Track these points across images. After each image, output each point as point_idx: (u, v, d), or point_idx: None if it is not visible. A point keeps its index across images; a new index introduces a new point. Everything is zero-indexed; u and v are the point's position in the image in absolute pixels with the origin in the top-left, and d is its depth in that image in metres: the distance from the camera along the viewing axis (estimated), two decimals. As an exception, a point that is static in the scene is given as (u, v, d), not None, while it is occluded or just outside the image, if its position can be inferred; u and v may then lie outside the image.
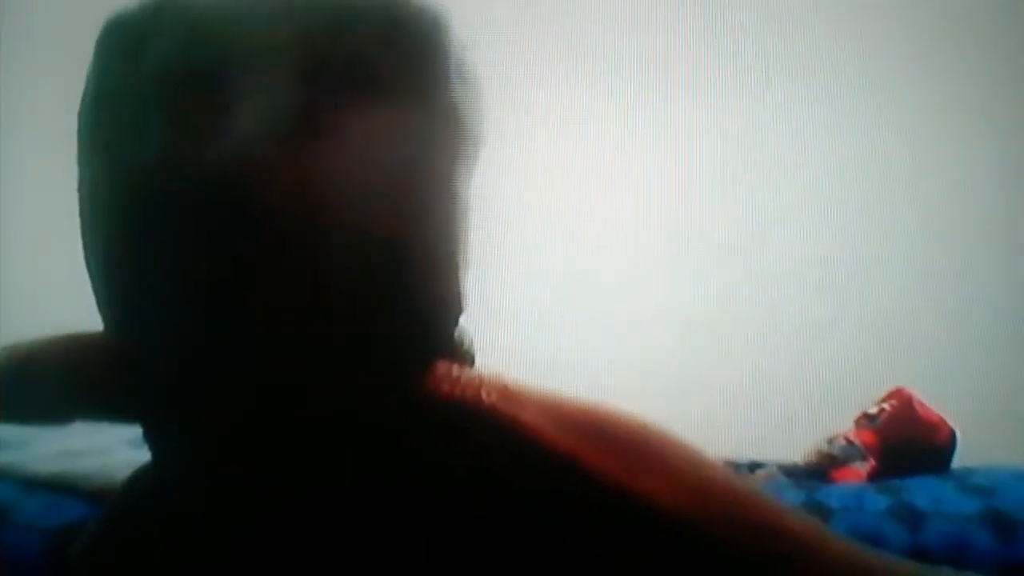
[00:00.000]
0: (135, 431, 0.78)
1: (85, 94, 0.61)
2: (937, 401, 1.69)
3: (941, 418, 1.65)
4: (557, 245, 2.13)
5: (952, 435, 1.64)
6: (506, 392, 0.62)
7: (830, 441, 1.66)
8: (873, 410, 1.68)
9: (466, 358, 0.65)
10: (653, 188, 2.19)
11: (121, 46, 0.60)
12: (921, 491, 1.46)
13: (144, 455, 0.85)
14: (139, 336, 0.60)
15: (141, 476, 0.71)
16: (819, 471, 1.62)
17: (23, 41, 2.21)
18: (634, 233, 2.19)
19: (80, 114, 0.61)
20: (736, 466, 1.59)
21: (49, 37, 2.24)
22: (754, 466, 1.65)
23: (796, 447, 1.69)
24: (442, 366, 0.62)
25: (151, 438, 0.65)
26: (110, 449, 1.31)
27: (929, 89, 2.13)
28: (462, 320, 0.64)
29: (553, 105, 2.12)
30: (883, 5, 2.15)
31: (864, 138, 2.16)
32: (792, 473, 1.61)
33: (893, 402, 1.68)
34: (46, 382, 0.77)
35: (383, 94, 0.57)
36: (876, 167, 2.16)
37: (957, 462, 1.63)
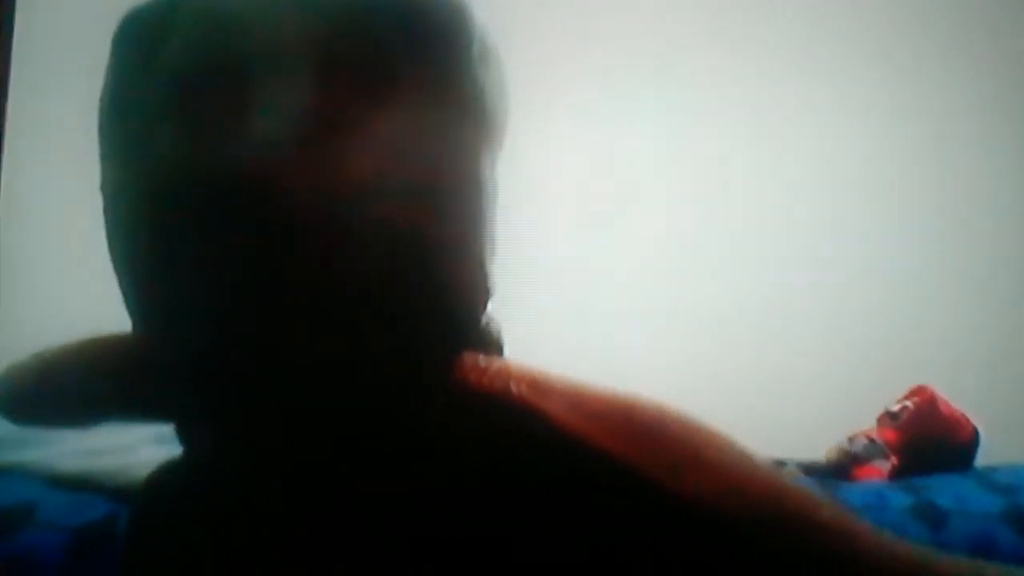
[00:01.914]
0: (158, 429, 0.78)
1: (103, 92, 0.61)
2: (960, 399, 1.68)
3: (964, 416, 1.64)
4: (580, 240, 2.13)
5: (975, 433, 1.63)
6: (534, 383, 0.61)
7: (852, 439, 1.65)
8: (895, 408, 1.67)
9: (494, 346, 0.65)
10: (674, 185, 2.19)
11: (137, 43, 0.59)
12: (944, 489, 1.45)
13: (167, 453, 0.85)
14: (168, 334, 0.60)
15: (168, 473, 0.71)
16: (841, 469, 1.61)
17: (40, 42, 2.22)
18: (656, 229, 2.18)
19: (99, 112, 0.61)
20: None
21: (66, 38, 2.25)
22: (776, 465, 1.64)
23: (818, 445, 1.68)
24: (470, 355, 0.61)
25: (182, 436, 0.65)
26: (133, 447, 1.31)
27: (947, 83, 2.12)
28: (490, 308, 0.64)
29: (577, 101, 2.12)
30: (893, 3, 2.14)
31: (881, 133, 2.15)
32: (814, 471, 1.61)
33: (915, 400, 1.66)
34: (72, 386, 0.77)
35: (404, 84, 0.57)
36: (894, 161, 2.15)
37: (980, 460, 1.62)
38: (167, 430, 0.78)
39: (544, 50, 2.00)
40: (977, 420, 1.65)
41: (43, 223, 2.24)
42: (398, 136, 0.56)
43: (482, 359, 0.62)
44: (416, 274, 0.57)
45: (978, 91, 2.10)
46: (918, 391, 1.68)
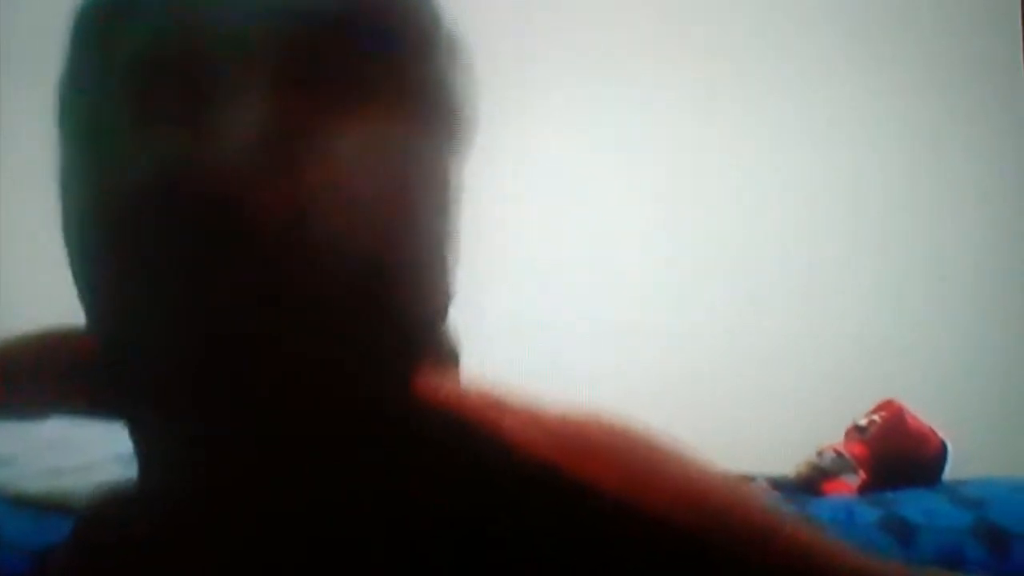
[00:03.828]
0: (124, 448, 0.77)
1: (59, 80, 0.60)
2: (928, 413, 1.69)
3: (932, 429, 1.65)
4: (547, 251, 2.13)
5: (943, 447, 1.64)
6: (488, 399, 0.61)
7: (820, 454, 1.66)
8: (863, 422, 1.68)
9: (450, 358, 0.64)
10: (643, 197, 2.19)
11: (95, 29, 0.58)
12: (912, 504, 1.46)
13: (133, 470, 0.84)
14: (117, 330, 0.59)
15: (117, 490, 0.69)
16: (809, 484, 1.62)
17: (15, 45, 2.20)
18: (623, 242, 2.19)
19: (56, 100, 0.60)
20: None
21: (41, 41, 2.23)
22: (744, 480, 1.64)
23: (786, 460, 1.68)
24: (424, 370, 0.61)
25: (134, 438, 0.64)
26: (98, 466, 1.30)
27: (927, 95, 2.13)
28: (450, 321, 0.63)
29: (548, 108, 2.12)
30: (882, 10, 2.16)
31: (858, 151, 2.16)
32: (782, 487, 1.61)
33: (883, 414, 1.67)
34: (23, 374, 0.76)
35: (366, 86, 0.56)
36: (869, 179, 2.16)
37: (949, 474, 1.63)
38: (131, 450, 0.77)
39: (519, 48, 2.00)
40: (945, 434, 1.66)
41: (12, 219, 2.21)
42: (358, 138, 0.55)
43: (436, 373, 0.61)
44: (373, 279, 0.57)
45: (964, 101, 2.12)
46: (886, 405, 1.69)
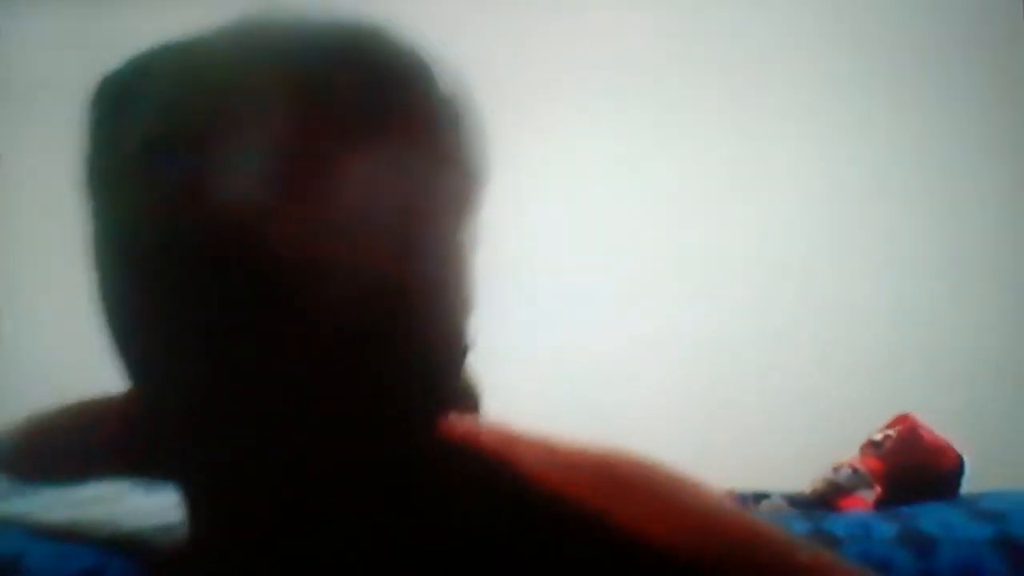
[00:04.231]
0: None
1: (81, 154, 0.62)
2: (944, 426, 1.68)
3: (948, 443, 1.65)
4: (554, 269, 2.14)
5: (959, 460, 1.63)
6: (504, 437, 0.62)
7: (836, 469, 1.66)
8: (878, 437, 1.67)
9: (472, 399, 0.66)
10: (654, 214, 2.20)
11: (111, 105, 0.61)
12: (930, 517, 1.46)
13: (153, 500, 0.85)
14: (152, 391, 0.61)
15: (174, 540, 0.72)
16: (826, 500, 1.62)
17: (17, 98, 2.23)
18: (632, 259, 2.19)
19: (80, 174, 0.62)
20: (741, 497, 1.59)
21: (44, 93, 2.26)
22: (759, 497, 1.64)
23: (802, 477, 1.68)
24: (447, 409, 0.62)
25: (179, 495, 0.66)
26: (118, 496, 1.31)
27: (947, 106, 2.13)
28: (469, 362, 0.65)
29: (550, 130, 2.13)
30: (895, 22, 2.16)
31: (872, 165, 2.16)
32: (798, 503, 1.61)
33: (898, 428, 1.67)
34: (67, 445, 0.78)
35: (377, 142, 0.58)
36: (885, 193, 2.16)
37: (966, 487, 1.63)
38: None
39: (523, 87, 2.02)
40: (961, 448, 1.66)
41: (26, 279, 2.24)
42: (372, 192, 0.57)
43: (455, 413, 0.63)
44: (396, 327, 0.58)
45: (984, 111, 2.11)
46: (900, 419, 1.69)
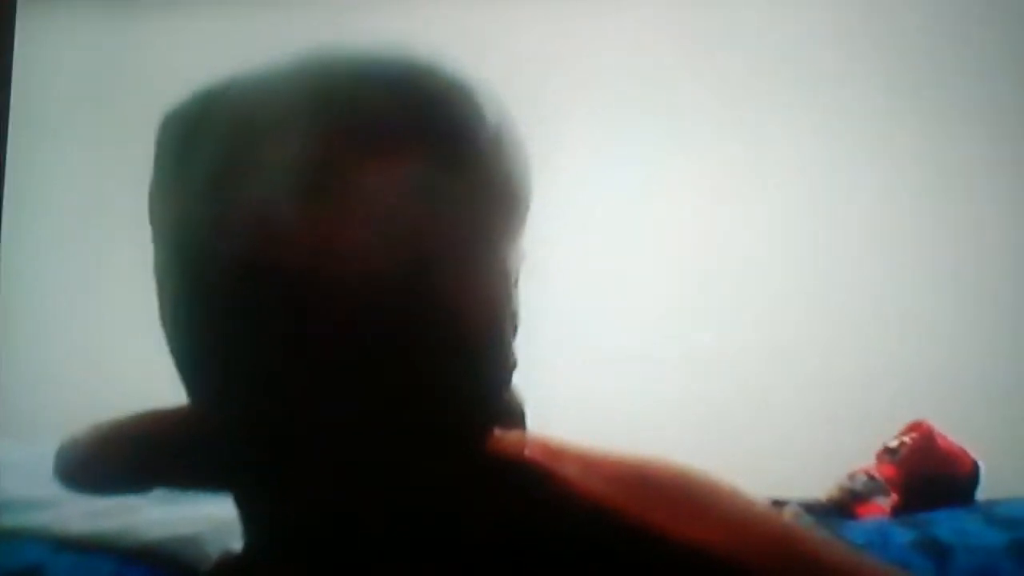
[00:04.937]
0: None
1: (150, 184, 0.66)
2: (959, 433, 1.68)
3: (963, 450, 1.65)
4: (577, 282, 2.15)
5: (975, 466, 1.63)
6: (548, 449, 0.65)
7: (852, 477, 1.66)
8: (894, 444, 1.68)
9: (517, 417, 0.68)
10: (671, 227, 2.21)
11: (174, 139, 0.64)
12: (946, 524, 1.46)
13: (173, 511, 0.86)
14: (214, 406, 0.63)
15: (231, 556, 0.74)
16: (842, 507, 1.62)
17: (41, 113, 2.25)
18: (652, 272, 2.20)
19: (148, 203, 0.66)
20: (758, 504, 1.59)
21: (66, 109, 2.29)
22: (776, 504, 1.65)
23: (818, 484, 1.68)
24: (492, 427, 0.65)
25: (239, 506, 0.69)
26: (139, 507, 1.32)
27: (960, 115, 2.13)
28: (513, 381, 0.67)
29: (571, 144, 2.14)
30: (913, 30, 2.16)
31: (886, 165, 2.17)
32: (815, 510, 1.61)
33: (914, 435, 1.67)
34: (130, 454, 0.81)
35: (424, 171, 0.60)
36: (898, 199, 2.16)
37: (981, 494, 1.62)
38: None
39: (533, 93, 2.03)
40: (977, 454, 1.66)
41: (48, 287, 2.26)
42: (427, 219, 0.59)
43: (500, 428, 0.65)
44: (445, 346, 0.61)
45: (996, 118, 2.11)
46: (916, 426, 1.69)
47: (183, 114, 0.65)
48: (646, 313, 2.17)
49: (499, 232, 0.63)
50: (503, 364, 0.65)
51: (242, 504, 0.68)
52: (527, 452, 0.64)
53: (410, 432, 0.61)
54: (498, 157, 0.63)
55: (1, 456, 1.56)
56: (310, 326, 0.59)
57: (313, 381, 0.60)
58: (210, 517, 1.20)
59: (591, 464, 0.65)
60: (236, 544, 0.70)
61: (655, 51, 2.21)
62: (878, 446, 1.70)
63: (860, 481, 1.64)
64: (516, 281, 0.66)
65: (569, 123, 2.14)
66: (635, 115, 2.20)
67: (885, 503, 1.60)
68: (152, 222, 0.66)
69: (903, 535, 1.43)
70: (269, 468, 0.64)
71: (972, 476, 1.63)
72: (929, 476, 1.62)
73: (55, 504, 1.34)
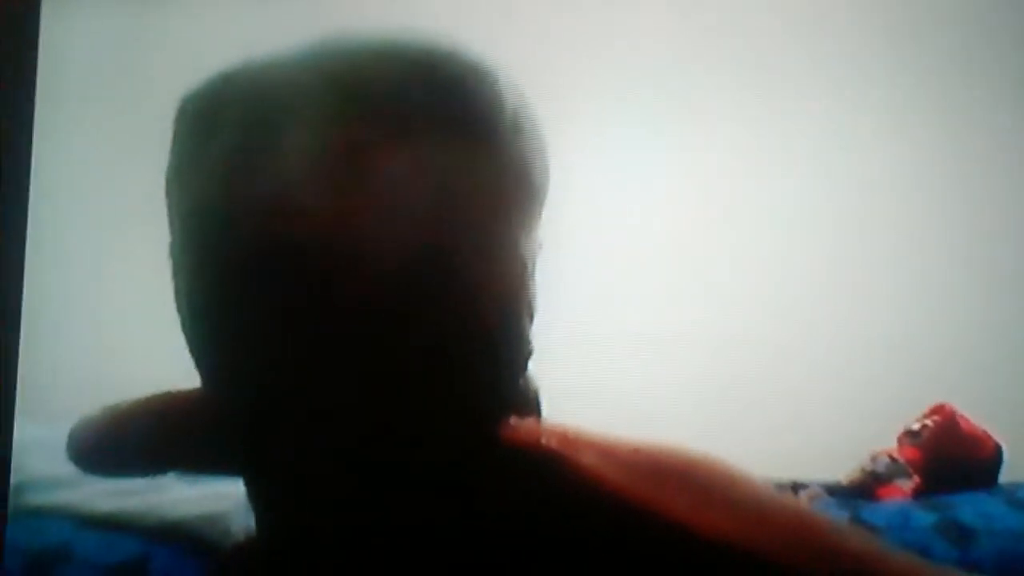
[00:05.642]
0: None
1: (167, 166, 0.65)
2: (981, 416, 1.68)
3: (985, 432, 1.64)
4: (587, 263, 2.14)
5: (998, 449, 1.63)
6: (564, 437, 0.65)
7: (873, 459, 1.66)
8: (915, 426, 1.67)
9: (533, 405, 0.68)
10: (686, 206, 2.20)
11: (192, 121, 0.64)
12: (968, 507, 1.46)
13: (199, 489, 0.87)
14: (230, 389, 0.64)
15: (241, 540, 0.75)
16: (863, 490, 1.62)
17: (61, 106, 2.26)
18: (667, 251, 2.19)
19: (165, 184, 0.66)
20: (777, 487, 1.59)
21: (90, 104, 2.29)
22: (797, 487, 1.65)
23: (840, 466, 1.68)
24: (508, 414, 0.65)
25: (251, 490, 0.69)
26: (163, 486, 1.33)
27: (969, 103, 2.12)
28: (529, 369, 0.67)
29: (583, 131, 2.14)
30: (929, 26, 2.15)
31: (900, 144, 2.15)
32: (836, 492, 1.61)
33: (936, 418, 1.67)
34: (143, 438, 0.82)
35: (441, 154, 0.60)
36: (912, 175, 2.15)
37: (1005, 477, 1.62)
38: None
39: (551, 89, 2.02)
40: (1000, 436, 1.65)
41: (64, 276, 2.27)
42: (437, 201, 0.59)
43: (521, 414, 0.65)
44: (461, 334, 0.61)
45: (1003, 98, 2.10)
46: (938, 409, 1.68)
47: (200, 96, 0.65)
48: (663, 298, 2.16)
49: (516, 218, 0.63)
50: (519, 351, 0.65)
51: (253, 488, 0.68)
52: (543, 440, 0.65)
53: (425, 419, 0.61)
54: (516, 142, 0.63)
55: (24, 435, 1.57)
56: (325, 307, 0.58)
57: (327, 364, 0.60)
58: (236, 495, 1.21)
59: (607, 452, 0.65)
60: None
61: (668, 38, 2.20)
62: (900, 429, 1.70)
63: (882, 463, 1.63)
64: (533, 269, 0.65)
65: (583, 108, 2.13)
66: (655, 100, 2.19)
67: (907, 486, 1.60)
68: (169, 206, 0.66)
69: (924, 518, 1.42)
70: (281, 452, 0.64)
71: (994, 459, 1.62)
72: (951, 459, 1.61)
73: (80, 483, 1.35)
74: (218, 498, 1.22)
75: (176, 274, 0.65)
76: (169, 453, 0.82)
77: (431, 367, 0.60)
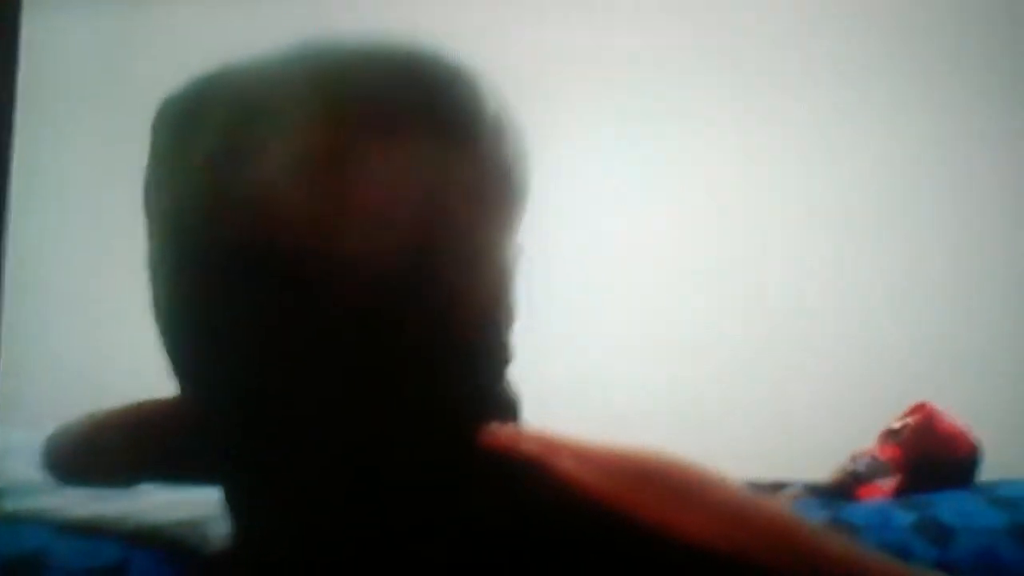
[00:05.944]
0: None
1: (145, 173, 0.65)
2: (961, 414, 1.68)
3: (963, 430, 1.65)
4: (570, 267, 2.15)
5: (976, 448, 1.64)
6: (542, 442, 0.65)
7: (855, 458, 1.66)
8: (896, 426, 1.68)
9: (512, 410, 0.68)
10: (667, 210, 2.20)
11: (171, 127, 0.64)
12: (947, 505, 1.46)
13: (177, 494, 0.86)
14: (205, 397, 0.63)
15: (212, 540, 0.74)
16: (844, 489, 1.62)
17: (46, 108, 2.25)
18: (649, 253, 2.20)
19: (143, 192, 0.65)
20: (759, 488, 1.59)
21: (72, 104, 2.28)
22: (778, 487, 1.65)
23: (820, 466, 1.69)
24: (487, 419, 0.65)
25: (229, 496, 0.68)
26: (143, 490, 1.32)
27: (953, 97, 2.13)
28: (509, 373, 0.67)
29: (567, 135, 2.14)
30: (923, 29, 2.16)
31: (881, 148, 2.16)
32: (817, 492, 1.61)
33: (916, 417, 1.68)
34: (119, 447, 0.81)
35: (421, 159, 0.59)
36: (893, 180, 2.16)
37: (982, 475, 1.63)
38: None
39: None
40: (980, 435, 1.66)
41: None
42: (418, 205, 0.59)
43: (499, 419, 0.65)
44: (441, 339, 0.60)
45: (993, 100, 2.11)
46: (918, 408, 1.69)
47: (181, 99, 0.64)
48: (643, 302, 2.17)
49: (497, 222, 0.63)
50: (499, 356, 0.65)
51: (230, 496, 0.68)
52: (522, 445, 0.64)
53: (404, 424, 0.61)
54: (497, 145, 0.63)
55: (2, 441, 1.56)
56: (304, 311, 0.58)
57: (305, 368, 0.59)
58: (215, 500, 1.20)
59: (586, 457, 0.65)
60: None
61: (656, 40, 2.20)
62: (881, 428, 1.70)
63: (862, 463, 1.64)
64: (513, 274, 0.65)
65: (565, 114, 2.14)
66: (634, 106, 2.20)
67: (887, 485, 1.60)
68: (147, 211, 0.65)
69: (904, 517, 1.43)
70: (260, 459, 0.63)
71: (972, 457, 1.63)
72: (930, 457, 1.62)
73: (57, 488, 1.34)
74: (197, 503, 1.22)
75: (154, 282, 0.64)
76: (144, 463, 0.81)
77: (410, 371, 0.60)
